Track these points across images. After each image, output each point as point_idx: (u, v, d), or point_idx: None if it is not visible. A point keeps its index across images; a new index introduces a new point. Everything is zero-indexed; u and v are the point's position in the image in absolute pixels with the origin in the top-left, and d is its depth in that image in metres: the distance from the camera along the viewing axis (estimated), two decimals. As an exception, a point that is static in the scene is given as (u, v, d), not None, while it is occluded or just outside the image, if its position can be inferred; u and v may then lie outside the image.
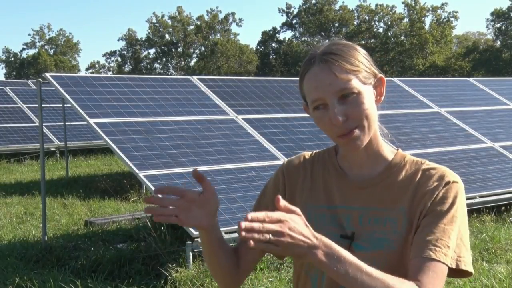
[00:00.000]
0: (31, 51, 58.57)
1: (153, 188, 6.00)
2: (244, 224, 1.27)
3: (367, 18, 52.08)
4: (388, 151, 1.67)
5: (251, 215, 1.29)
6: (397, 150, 1.69)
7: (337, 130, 1.54)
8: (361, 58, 1.57)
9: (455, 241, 1.51)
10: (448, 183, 1.57)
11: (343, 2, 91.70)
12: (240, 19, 58.24)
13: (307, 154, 1.76)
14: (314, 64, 1.55)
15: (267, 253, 1.82)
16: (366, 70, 1.57)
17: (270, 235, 1.30)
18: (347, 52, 1.56)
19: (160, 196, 1.47)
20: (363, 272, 1.37)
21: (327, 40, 1.65)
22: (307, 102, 1.60)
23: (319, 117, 1.56)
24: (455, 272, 1.52)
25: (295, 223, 1.32)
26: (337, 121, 1.51)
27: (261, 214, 1.29)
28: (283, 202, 1.33)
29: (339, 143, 1.58)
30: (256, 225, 1.28)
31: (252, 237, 1.28)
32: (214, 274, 1.68)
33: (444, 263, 1.47)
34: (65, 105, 11.91)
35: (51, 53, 58.21)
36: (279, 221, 1.31)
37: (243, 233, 1.27)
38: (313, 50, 1.60)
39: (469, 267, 1.53)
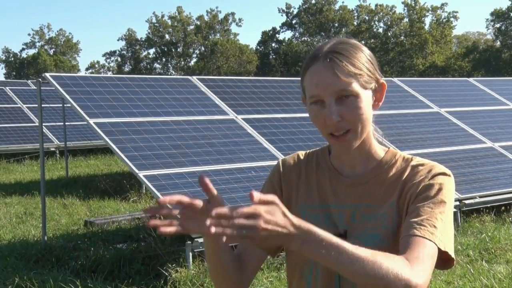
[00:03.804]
0: (31, 51, 58.62)
1: (153, 189, 6.00)
2: (209, 221, 1.25)
3: (367, 18, 52.08)
4: (380, 149, 1.68)
5: (214, 211, 1.25)
6: (388, 148, 1.70)
7: (330, 129, 1.55)
8: (366, 62, 1.58)
9: (443, 224, 1.50)
10: (435, 174, 1.58)
11: (343, 2, 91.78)
12: (240, 19, 58.26)
13: (301, 153, 1.77)
14: (318, 60, 1.56)
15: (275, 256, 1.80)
16: (368, 75, 1.57)
17: (244, 230, 1.27)
18: (353, 53, 1.57)
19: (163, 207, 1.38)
20: (348, 253, 1.35)
21: (335, 37, 1.65)
22: (306, 96, 1.61)
23: (315, 113, 1.57)
24: (438, 261, 1.50)
25: (271, 215, 1.29)
26: (331, 121, 1.53)
27: (228, 210, 1.26)
28: (257, 196, 1.30)
29: (330, 141, 1.60)
30: (224, 222, 1.26)
31: (223, 233, 1.25)
32: (219, 284, 1.63)
33: (430, 240, 1.46)
34: (64, 105, 11.90)
35: (51, 53, 58.20)
36: (252, 215, 1.28)
37: (213, 230, 1.24)
38: (320, 46, 1.61)
39: (452, 253, 1.52)
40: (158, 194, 5.96)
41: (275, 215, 1.30)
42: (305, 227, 1.34)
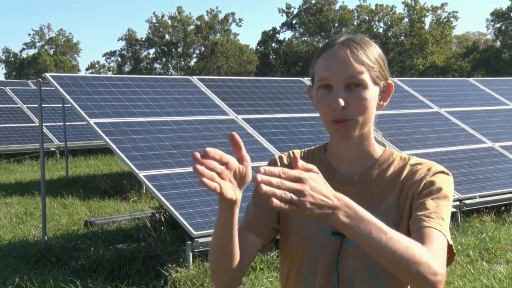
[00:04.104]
0: (31, 51, 58.62)
1: (153, 189, 6.00)
2: (260, 177, 1.20)
3: (367, 18, 52.08)
4: (378, 148, 1.68)
5: (264, 167, 1.21)
6: (385, 147, 1.70)
7: (334, 114, 1.54)
8: (379, 58, 1.60)
9: (447, 217, 1.52)
10: (436, 172, 1.59)
11: (343, 2, 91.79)
12: (240, 19, 58.25)
13: (297, 151, 1.76)
14: (334, 46, 1.57)
15: (266, 254, 1.77)
16: (380, 71, 1.59)
17: (292, 194, 1.23)
18: (369, 46, 1.59)
19: (208, 158, 1.32)
20: (386, 233, 1.34)
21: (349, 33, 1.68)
22: (314, 81, 1.59)
23: (321, 97, 1.56)
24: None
25: (315, 182, 1.27)
26: (337, 105, 1.51)
27: (276, 169, 1.22)
28: (301, 162, 1.27)
29: (331, 128, 1.58)
30: (274, 180, 1.21)
31: (273, 194, 1.21)
32: (220, 264, 1.54)
33: (440, 232, 1.47)
34: (65, 105, 11.90)
35: (51, 53, 58.19)
36: (298, 179, 1.25)
37: (264, 188, 1.19)
38: (335, 36, 1.62)
39: (453, 247, 1.53)
40: (158, 194, 5.96)
41: (318, 182, 1.28)
42: (346, 200, 1.32)
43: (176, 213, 5.80)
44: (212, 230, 5.41)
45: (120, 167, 13.80)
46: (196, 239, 5.66)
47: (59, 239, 7.23)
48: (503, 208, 8.10)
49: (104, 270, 5.87)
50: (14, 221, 8.70)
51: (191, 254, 5.67)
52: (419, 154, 7.89)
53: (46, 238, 6.76)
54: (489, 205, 7.84)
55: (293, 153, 1.75)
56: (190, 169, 6.44)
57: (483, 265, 5.98)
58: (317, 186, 1.27)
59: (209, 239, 5.70)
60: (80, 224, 8.29)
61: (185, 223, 5.71)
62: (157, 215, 6.80)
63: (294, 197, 1.23)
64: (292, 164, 1.26)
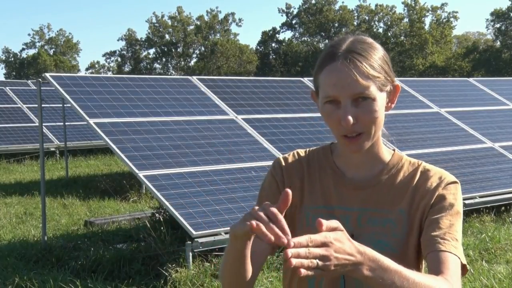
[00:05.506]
0: (31, 51, 58.61)
1: (153, 189, 6.01)
2: (290, 252, 1.21)
3: (367, 18, 52.07)
4: (386, 152, 1.66)
5: (293, 241, 1.23)
6: (394, 151, 1.69)
7: (344, 130, 1.53)
8: (384, 64, 1.56)
9: (460, 236, 1.54)
10: (448, 183, 1.59)
11: (343, 2, 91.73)
12: (240, 19, 58.22)
13: (301, 151, 1.74)
14: (337, 60, 1.52)
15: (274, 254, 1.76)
16: (385, 77, 1.56)
17: (318, 260, 1.25)
18: (372, 55, 1.54)
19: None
20: (409, 280, 1.35)
21: (351, 34, 1.62)
22: (319, 94, 1.57)
23: (329, 112, 1.54)
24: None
25: (339, 243, 1.27)
26: (347, 123, 1.50)
27: (303, 239, 1.24)
28: (325, 224, 1.27)
29: (342, 142, 1.57)
30: (302, 251, 1.23)
31: (301, 265, 1.23)
32: (231, 283, 1.56)
33: (455, 255, 1.49)
34: (65, 105, 11.89)
35: (51, 53, 58.18)
36: (323, 244, 1.26)
37: (293, 262, 1.21)
38: (336, 42, 1.57)
39: (466, 264, 1.56)
40: (158, 194, 5.96)
41: (342, 242, 1.29)
42: (369, 253, 1.32)
43: (176, 213, 5.80)
44: (211, 230, 5.39)
45: (120, 167, 13.80)
46: (196, 239, 5.66)
47: (59, 239, 7.23)
48: (503, 208, 8.10)
49: (104, 270, 5.87)
50: (14, 221, 8.70)
51: (191, 254, 5.67)
52: (419, 154, 7.88)
53: (46, 238, 6.76)
54: (489, 205, 7.84)
55: (297, 153, 1.73)
56: (190, 169, 6.44)
57: (483, 265, 5.98)
58: (341, 246, 1.28)
59: (209, 239, 5.71)
60: (80, 224, 8.29)
61: (185, 223, 5.71)
62: (157, 215, 6.80)
63: (320, 263, 1.25)
64: (317, 228, 1.26)
